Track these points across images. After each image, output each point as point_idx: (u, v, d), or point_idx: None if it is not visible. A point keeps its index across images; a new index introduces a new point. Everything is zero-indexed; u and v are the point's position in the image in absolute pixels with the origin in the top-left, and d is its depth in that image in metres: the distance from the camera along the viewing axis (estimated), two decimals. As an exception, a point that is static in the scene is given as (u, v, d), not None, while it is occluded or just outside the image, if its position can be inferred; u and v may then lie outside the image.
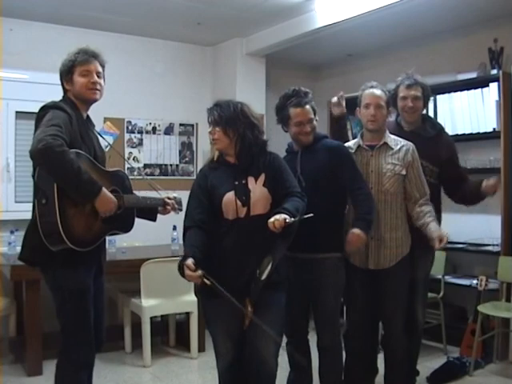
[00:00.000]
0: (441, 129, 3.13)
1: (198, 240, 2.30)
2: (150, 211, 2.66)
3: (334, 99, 3.03)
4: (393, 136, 2.87)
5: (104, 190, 2.23)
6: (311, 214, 2.22)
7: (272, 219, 2.15)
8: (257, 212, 2.29)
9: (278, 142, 2.85)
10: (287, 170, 2.44)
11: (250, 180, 2.33)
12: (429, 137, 3.02)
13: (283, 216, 2.15)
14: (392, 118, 3.09)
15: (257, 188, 2.32)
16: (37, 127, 2.19)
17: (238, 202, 2.29)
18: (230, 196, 2.31)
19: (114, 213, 2.31)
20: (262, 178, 2.34)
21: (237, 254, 2.29)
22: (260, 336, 2.28)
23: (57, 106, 2.25)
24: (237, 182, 2.32)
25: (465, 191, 3.03)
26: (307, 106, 2.67)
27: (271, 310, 2.32)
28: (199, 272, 2.16)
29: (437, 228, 2.71)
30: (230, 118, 2.33)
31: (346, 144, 2.91)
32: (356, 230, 2.57)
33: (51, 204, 2.14)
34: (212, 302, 2.36)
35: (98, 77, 2.40)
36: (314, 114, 2.71)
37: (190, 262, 2.18)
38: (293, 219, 2.17)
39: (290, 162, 2.65)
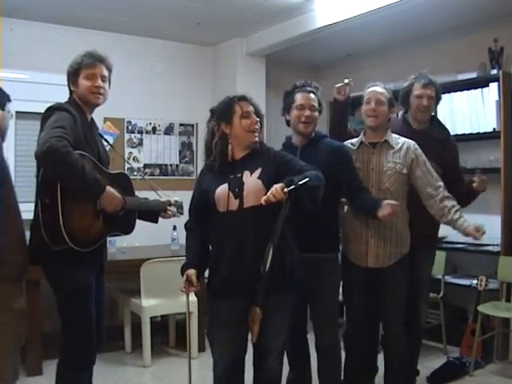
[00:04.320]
0: (449, 133, 3.16)
1: (197, 242, 2.42)
2: (152, 213, 2.67)
3: (339, 84, 2.90)
4: (394, 135, 2.86)
5: (108, 187, 2.26)
6: (307, 179, 2.11)
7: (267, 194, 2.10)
8: (250, 203, 2.25)
9: (277, 140, 2.86)
10: (293, 157, 2.42)
11: (246, 174, 2.31)
12: (437, 138, 3.02)
13: (277, 185, 2.10)
14: (395, 116, 3.08)
15: (251, 180, 2.29)
16: (42, 128, 2.22)
17: (231, 194, 2.27)
18: (223, 188, 2.30)
19: (120, 210, 2.33)
20: (258, 171, 2.31)
21: (231, 249, 2.26)
22: (266, 341, 2.27)
23: (62, 108, 2.28)
24: (232, 176, 2.31)
25: (460, 193, 2.98)
26: (312, 95, 2.71)
27: (280, 312, 2.30)
28: (196, 287, 2.32)
29: (469, 223, 2.68)
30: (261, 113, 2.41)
31: (348, 141, 2.90)
32: (389, 201, 2.56)
33: (54, 204, 2.16)
34: (218, 307, 2.33)
35: (103, 81, 2.42)
36: (319, 109, 2.72)
37: (193, 275, 2.32)
38: (292, 187, 2.07)
39: None
